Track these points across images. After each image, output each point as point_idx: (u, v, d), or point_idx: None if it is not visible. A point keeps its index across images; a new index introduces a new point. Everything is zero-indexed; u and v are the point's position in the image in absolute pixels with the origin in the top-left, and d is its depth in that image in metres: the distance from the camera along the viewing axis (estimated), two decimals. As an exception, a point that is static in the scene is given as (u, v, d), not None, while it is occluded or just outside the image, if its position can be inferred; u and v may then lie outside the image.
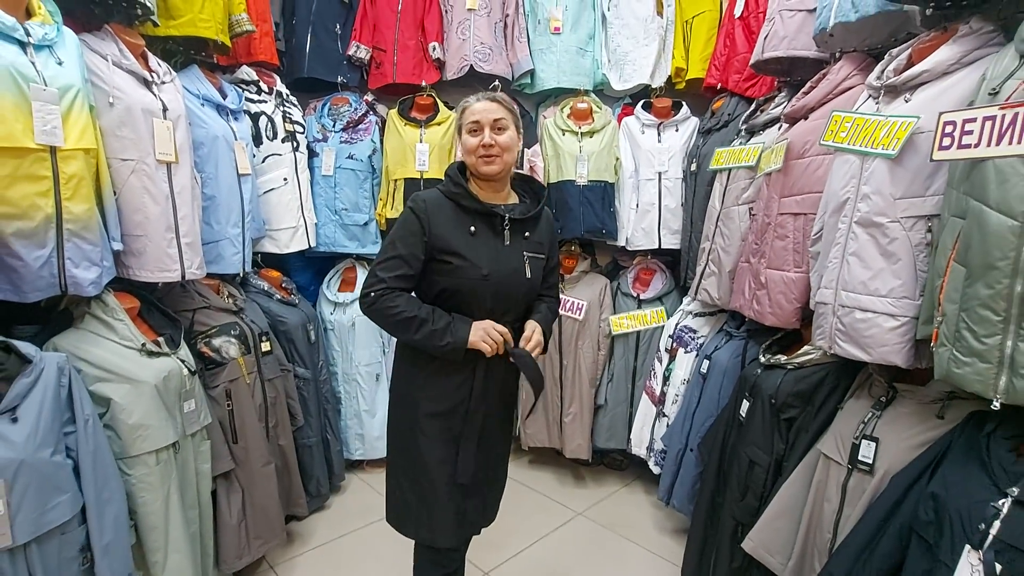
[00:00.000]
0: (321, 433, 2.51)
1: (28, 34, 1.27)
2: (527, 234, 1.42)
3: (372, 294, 1.34)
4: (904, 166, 1.23)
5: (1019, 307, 0.94)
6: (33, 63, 1.27)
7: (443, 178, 1.42)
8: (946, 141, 1.07)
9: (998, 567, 0.91)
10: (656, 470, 2.43)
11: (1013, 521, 0.92)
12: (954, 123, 1.06)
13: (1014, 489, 0.94)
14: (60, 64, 1.34)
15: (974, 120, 1.03)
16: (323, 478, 2.49)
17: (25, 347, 1.24)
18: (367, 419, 2.78)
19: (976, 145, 1.02)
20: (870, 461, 1.26)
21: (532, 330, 1.42)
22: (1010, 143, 0.97)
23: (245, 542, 1.87)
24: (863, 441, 1.29)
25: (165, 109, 1.67)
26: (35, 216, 1.28)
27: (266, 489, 1.94)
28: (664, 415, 2.42)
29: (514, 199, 1.49)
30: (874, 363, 1.31)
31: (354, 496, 2.64)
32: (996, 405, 0.97)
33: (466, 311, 1.37)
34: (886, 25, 1.62)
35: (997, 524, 0.93)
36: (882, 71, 1.38)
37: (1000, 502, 0.94)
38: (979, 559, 0.94)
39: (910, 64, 1.35)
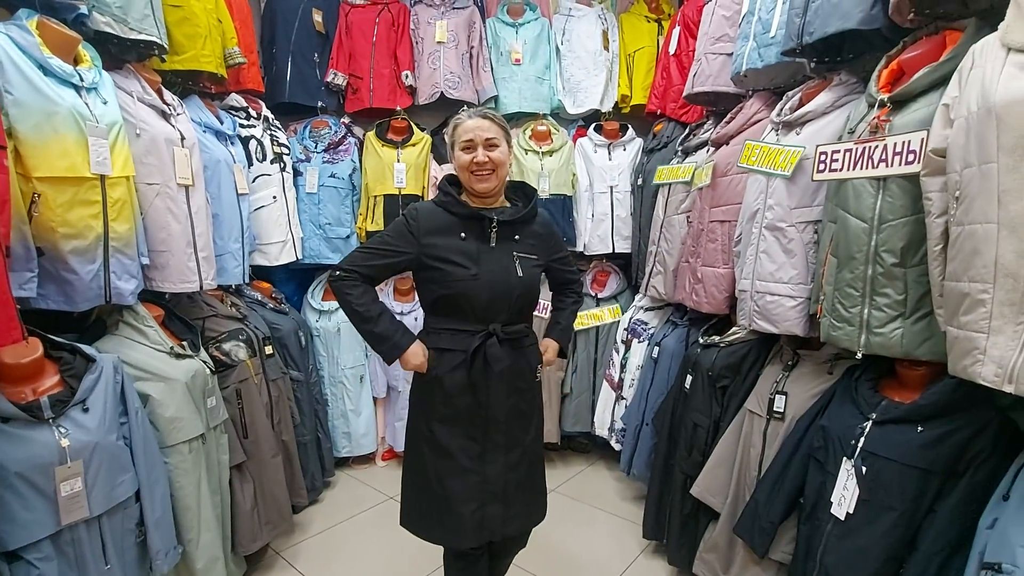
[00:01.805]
0: (314, 432, 2.71)
1: (81, 79, 1.48)
2: (517, 236, 1.48)
3: (339, 273, 1.45)
4: (796, 184, 1.61)
5: (871, 285, 1.33)
6: (87, 104, 1.48)
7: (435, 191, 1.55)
8: (821, 166, 1.46)
9: (864, 469, 1.28)
10: (617, 447, 2.76)
11: (872, 436, 1.29)
12: (826, 153, 1.45)
13: (873, 414, 1.32)
14: (105, 103, 1.55)
15: (839, 151, 1.42)
16: (317, 473, 2.69)
17: (88, 349, 1.44)
18: (353, 418, 2.99)
19: (841, 169, 1.41)
20: (782, 410, 1.63)
21: (545, 348, 1.63)
22: (862, 168, 1.36)
23: (258, 527, 2.06)
24: (776, 396, 1.66)
25: (183, 138, 1.88)
26: (88, 235, 1.48)
27: (275, 478, 2.14)
28: (623, 398, 2.77)
29: (505, 204, 1.54)
30: (782, 334, 1.69)
31: (344, 489, 2.85)
32: (859, 356, 1.35)
33: (463, 313, 1.43)
34: (787, 70, 2.03)
35: (862, 439, 1.30)
36: (780, 109, 1.78)
37: (864, 424, 1.32)
38: (852, 465, 1.30)
39: (801, 104, 1.75)
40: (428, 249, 1.42)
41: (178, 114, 1.94)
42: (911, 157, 1.24)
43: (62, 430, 1.28)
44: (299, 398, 2.57)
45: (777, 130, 1.75)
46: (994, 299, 0.99)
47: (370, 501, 2.71)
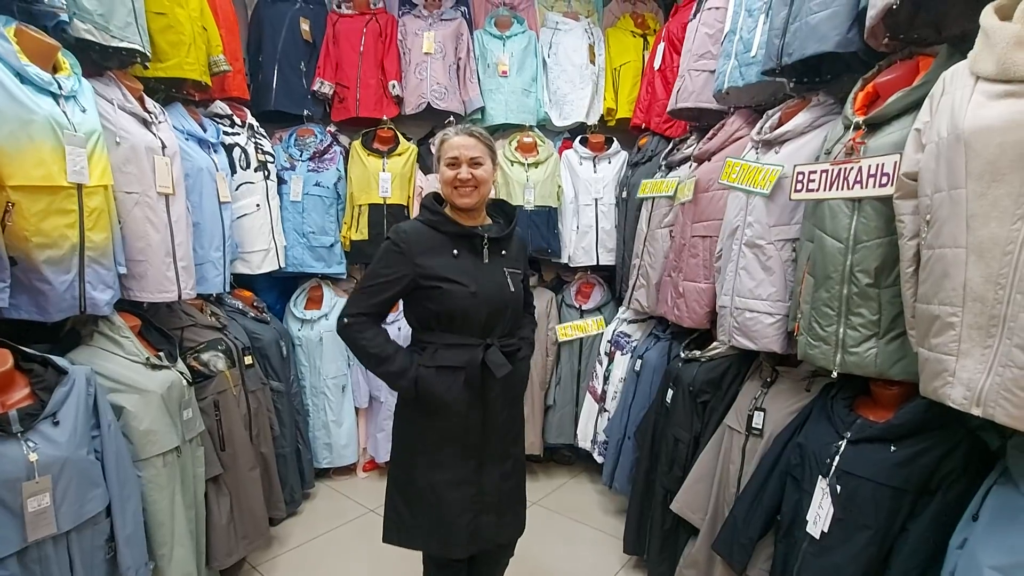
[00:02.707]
0: (294, 443, 2.68)
1: (60, 87, 1.46)
2: (504, 252, 1.51)
3: (347, 320, 1.45)
4: (775, 202, 1.64)
5: (846, 305, 1.34)
6: (64, 112, 1.46)
7: (419, 209, 1.53)
8: (799, 186, 1.48)
9: (839, 488, 1.29)
10: (600, 459, 2.76)
11: (846, 455, 1.31)
12: (803, 173, 1.48)
13: (848, 433, 1.33)
14: (84, 111, 1.53)
15: (816, 171, 1.44)
16: (296, 485, 2.66)
17: (60, 361, 1.41)
18: (334, 429, 2.96)
19: (818, 190, 1.43)
20: (760, 427, 1.64)
21: None
22: (838, 189, 1.38)
23: (234, 541, 2.03)
24: (755, 412, 1.67)
25: (164, 146, 1.86)
26: (63, 245, 1.46)
27: (252, 492, 2.11)
28: (605, 411, 2.77)
29: (488, 221, 1.57)
30: (761, 351, 1.70)
31: (324, 502, 2.81)
32: (834, 374, 1.37)
33: (461, 330, 1.44)
34: (767, 88, 2.05)
35: (837, 458, 1.32)
36: (760, 128, 1.81)
37: (839, 443, 1.33)
38: (827, 484, 1.32)
39: (780, 123, 1.78)
40: (423, 270, 1.42)
41: (160, 122, 1.92)
42: (885, 180, 1.27)
43: (31, 444, 1.25)
44: (279, 409, 2.54)
45: (757, 148, 1.78)
46: (963, 322, 1.01)
47: (350, 514, 2.68)
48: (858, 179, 1.33)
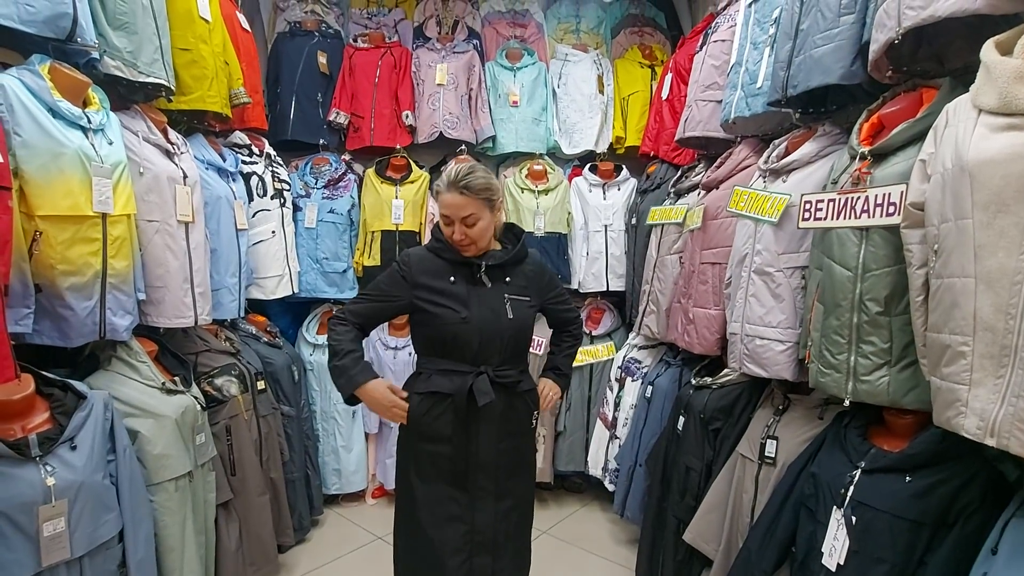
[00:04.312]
0: (303, 469, 2.68)
1: (89, 121, 1.52)
2: (508, 279, 1.50)
3: (336, 315, 1.54)
4: (784, 230, 1.65)
5: (856, 333, 1.34)
6: (93, 145, 1.52)
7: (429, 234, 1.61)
8: (806, 215, 1.50)
9: (854, 519, 1.27)
10: (611, 487, 2.72)
11: (861, 485, 1.29)
12: (811, 202, 1.49)
13: (862, 462, 1.32)
14: (111, 144, 1.60)
15: (823, 200, 1.46)
16: (305, 511, 2.65)
17: (79, 386, 1.44)
18: (344, 455, 2.96)
19: (825, 218, 1.44)
20: (773, 455, 1.63)
21: (543, 388, 1.63)
22: (846, 218, 1.39)
23: (242, 568, 2.02)
24: (768, 441, 1.65)
25: (185, 176, 1.92)
26: (87, 272, 1.50)
27: (261, 518, 2.11)
28: (616, 437, 2.75)
29: (496, 246, 1.56)
30: (772, 378, 1.69)
31: (332, 528, 2.79)
32: (847, 403, 1.36)
33: (454, 355, 1.45)
34: (774, 118, 2.08)
35: (852, 488, 1.30)
36: (767, 157, 1.83)
37: (853, 472, 1.31)
38: (842, 515, 1.29)
39: (787, 152, 1.81)
40: (420, 293, 1.46)
41: (182, 152, 1.98)
42: (891, 209, 1.28)
43: (48, 468, 1.27)
44: (289, 434, 2.55)
45: (764, 177, 1.80)
46: (974, 351, 1.00)
47: (358, 541, 2.66)
48: (865, 208, 1.34)
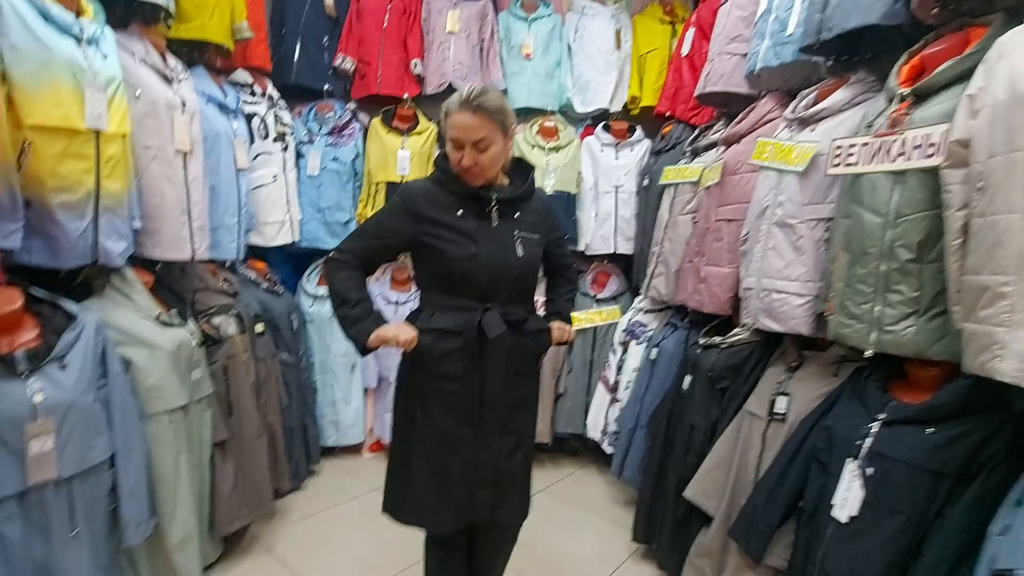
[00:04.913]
0: (301, 418, 2.65)
1: (82, 30, 1.44)
2: (517, 214, 1.42)
3: (334, 254, 1.41)
4: (809, 179, 1.58)
5: (883, 282, 1.28)
6: (86, 55, 1.44)
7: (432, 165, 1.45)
8: (836, 161, 1.42)
9: (870, 471, 1.23)
10: (609, 450, 2.70)
11: (880, 437, 1.24)
12: (842, 147, 1.42)
13: (881, 414, 1.27)
14: (105, 58, 1.51)
15: (856, 145, 1.39)
16: (302, 460, 2.63)
17: (69, 305, 1.38)
18: (342, 407, 2.93)
19: (857, 164, 1.38)
20: (784, 412, 1.58)
21: (556, 329, 1.53)
22: (880, 162, 1.32)
23: (237, 508, 1.99)
24: (778, 397, 1.61)
25: (184, 104, 1.84)
26: (79, 190, 1.43)
27: (257, 460, 2.08)
28: (617, 400, 2.71)
29: (504, 181, 1.47)
30: (787, 335, 1.64)
31: (329, 479, 2.78)
32: (869, 353, 1.30)
33: (461, 293, 1.37)
34: (801, 71, 2.00)
35: (869, 440, 1.26)
36: (795, 107, 1.75)
37: (871, 425, 1.27)
38: (857, 467, 1.25)
39: (816, 102, 1.72)
40: (425, 227, 1.36)
41: (180, 80, 1.90)
42: (931, 150, 1.21)
43: (36, 385, 1.22)
44: (288, 382, 2.51)
45: (791, 127, 1.72)
46: (1017, 292, 0.95)
47: (354, 492, 2.64)
48: (902, 151, 1.27)
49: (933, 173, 1.21)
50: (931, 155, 1.21)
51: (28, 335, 1.30)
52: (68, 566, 1.26)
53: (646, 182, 2.89)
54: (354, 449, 3.05)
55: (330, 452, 2.99)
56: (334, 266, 1.40)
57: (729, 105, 2.42)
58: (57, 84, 1.36)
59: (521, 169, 1.51)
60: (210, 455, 1.89)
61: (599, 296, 3.03)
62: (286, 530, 2.29)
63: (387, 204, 1.42)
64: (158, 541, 1.61)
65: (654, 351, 2.48)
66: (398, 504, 1.47)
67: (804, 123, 1.68)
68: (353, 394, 2.95)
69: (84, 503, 1.31)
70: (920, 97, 1.30)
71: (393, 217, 1.40)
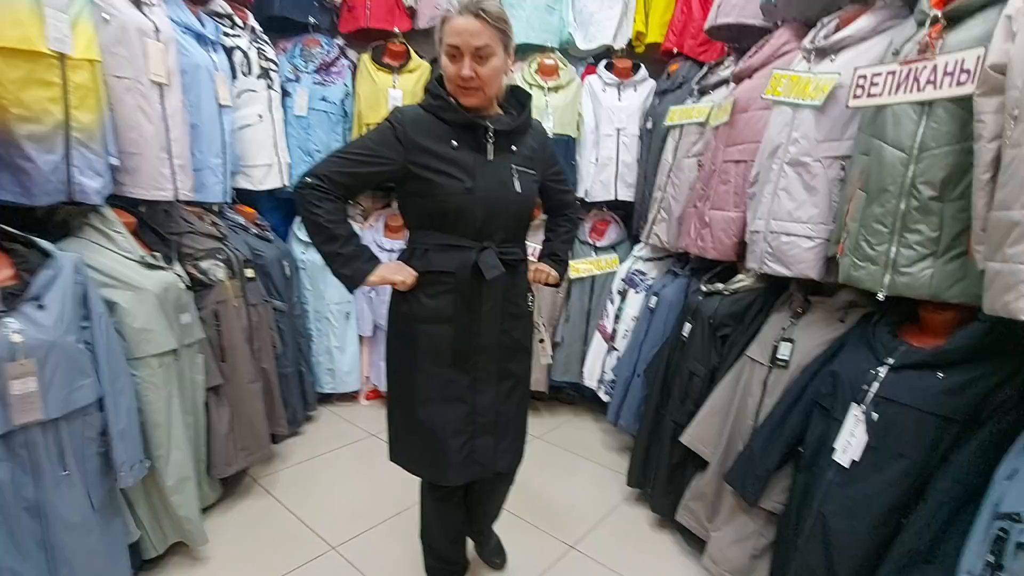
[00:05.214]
0: (296, 365, 2.63)
1: (37, -60, 1.30)
2: (513, 147, 1.33)
3: (309, 179, 1.26)
4: (827, 115, 1.49)
5: (902, 221, 1.22)
6: (43, -31, 1.31)
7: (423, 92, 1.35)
8: (859, 92, 1.33)
9: (875, 415, 1.21)
10: (606, 398, 2.70)
11: (887, 381, 1.21)
12: (865, 76, 1.32)
13: (890, 359, 1.24)
14: (66, -26, 1.38)
15: (880, 74, 1.29)
16: (299, 406, 2.63)
17: (44, 244, 1.31)
18: (337, 355, 2.91)
19: (880, 94, 1.28)
20: (787, 358, 1.55)
21: (532, 270, 1.48)
22: (906, 92, 1.23)
23: (234, 451, 1.99)
24: (781, 343, 1.58)
25: (157, 30, 1.71)
26: (46, 121, 1.34)
27: (252, 405, 2.06)
28: (615, 349, 2.69)
29: (497, 111, 1.37)
30: (794, 278, 1.59)
31: (326, 425, 2.79)
32: (881, 297, 1.26)
33: (454, 230, 1.30)
34: (820, 0, 1.87)
35: (876, 384, 1.23)
36: (814, 36, 1.64)
37: (879, 369, 1.24)
38: (862, 411, 1.23)
39: (837, 30, 1.61)
40: (416, 157, 1.25)
41: (153, 4, 1.75)
42: (963, 77, 1.12)
43: (14, 325, 1.17)
44: (282, 329, 2.48)
45: (809, 58, 1.61)
46: (1049, 227, 0.89)
47: (351, 437, 2.66)
48: (931, 79, 1.18)
49: (964, 102, 1.13)
50: (964, 82, 1.12)
51: (2, 273, 1.23)
52: (60, 506, 1.24)
53: (650, 124, 2.77)
54: (351, 396, 3.05)
55: (327, 399, 2.99)
56: (312, 195, 1.25)
57: (741, 40, 2.29)
58: (14, 1, 1.24)
59: (517, 99, 1.40)
60: (204, 400, 1.86)
61: (598, 244, 2.96)
62: (285, 473, 2.31)
63: (375, 127, 1.29)
64: (155, 484, 1.60)
65: (653, 299, 2.44)
66: (403, 453, 1.45)
67: (823, 53, 1.57)
68: (348, 342, 2.93)
69: (74, 445, 1.29)
70: (953, 20, 1.20)
71: (381, 142, 1.26)
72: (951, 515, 1.09)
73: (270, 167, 2.60)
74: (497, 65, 1.24)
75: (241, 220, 2.47)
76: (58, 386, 1.23)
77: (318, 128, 2.77)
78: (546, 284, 1.57)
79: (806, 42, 1.64)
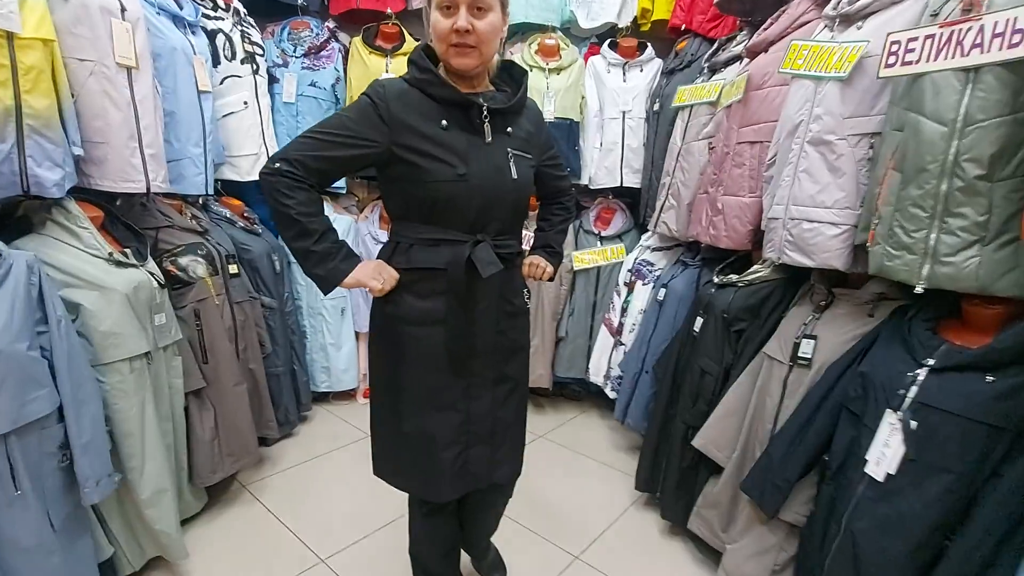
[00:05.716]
0: (289, 364, 2.52)
1: (-26, -96, 1.18)
2: (509, 129, 1.20)
3: (278, 165, 1.09)
4: (853, 87, 1.34)
5: (943, 204, 1.08)
6: (-18, -63, 1.18)
7: (407, 64, 1.16)
8: (891, 59, 1.18)
9: (913, 424, 1.07)
10: (612, 395, 2.58)
11: (927, 385, 1.08)
12: (899, 42, 1.17)
13: (930, 360, 1.10)
14: (11, -57, 1.25)
15: (916, 39, 1.14)
16: (291, 407, 2.52)
17: (-8, 241, 1.20)
18: (333, 352, 2.80)
19: (917, 62, 1.14)
20: (809, 356, 1.42)
21: (531, 263, 1.38)
22: (948, 57, 1.09)
23: (218, 458, 1.89)
24: (803, 340, 1.44)
25: (123, 9, 1.58)
26: (-8, 106, 1.22)
27: (238, 408, 1.96)
28: (621, 344, 2.57)
29: (490, 87, 1.23)
30: (816, 270, 1.45)
31: (321, 425, 2.69)
32: (919, 290, 1.12)
33: (445, 222, 1.15)
34: (842, -36, 1.72)
35: (914, 389, 1.09)
36: (837, 2, 1.48)
37: (917, 371, 1.10)
38: (898, 419, 1.10)
39: (863, -4, 1.45)
40: (401, 139, 1.10)
41: (119, -20, 1.62)
42: (1017, 38, 0.97)
43: (-48, 333, 1.06)
44: (272, 327, 2.37)
45: (832, 26, 1.46)
46: None
47: (347, 438, 2.55)
48: (978, 42, 1.03)
49: (1017, 67, 0.98)
50: (1017, 44, 0.97)
51: (-58, 275, 1.12)
52: (11, 529, 1.14)
53: (656, 107, 2.61)
54: (348, 395, 2.95)
55: (323, 398, 2.89)
56: (282, 183, 1.09)
57: (754, 13, 2.13)
58: (-53, -29, 1.12)
59: (511, 76, 1.27)
60: (184, 405, 1.76)
61: (603, 234, 2.83)
62: (275, 478, 2.21)
63: (354, 104, 1.13)
64: (130, 498, 1.50)
65: (662, 291, 2.31)
66: (389, 468, 1.32)
67: (849, 20, 1.42)
68: (344, 339, 2.82)
69: (28, 462, 1.18)
70: (1005, -27, 1.05)
71: (362, 121, 1.10)
72: (1003, 537, 0.96)
73: (258, 157, 2.48)
74: (495, 21, 1.10)
75: (227, 213, 2.35)
76: (7, 398, 1.13)
77: (308, 115, 2.64)
78: (539, 280, 1.43)
79: (828, 9, 1.49)
